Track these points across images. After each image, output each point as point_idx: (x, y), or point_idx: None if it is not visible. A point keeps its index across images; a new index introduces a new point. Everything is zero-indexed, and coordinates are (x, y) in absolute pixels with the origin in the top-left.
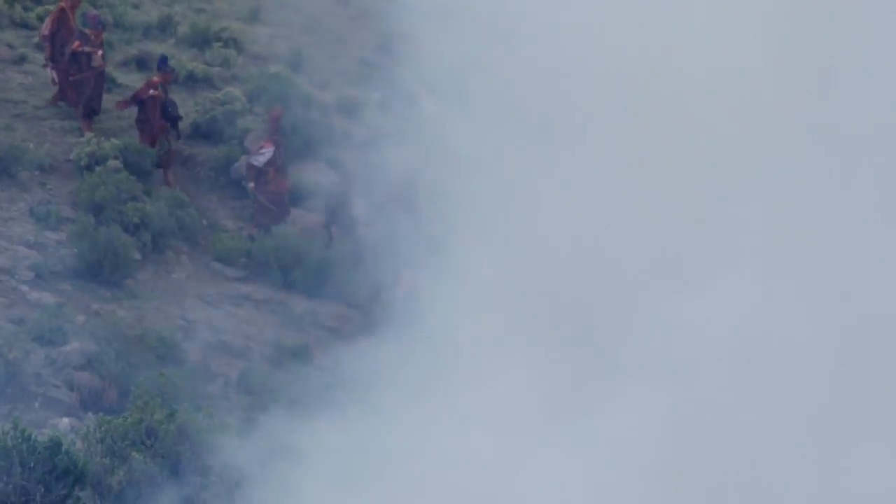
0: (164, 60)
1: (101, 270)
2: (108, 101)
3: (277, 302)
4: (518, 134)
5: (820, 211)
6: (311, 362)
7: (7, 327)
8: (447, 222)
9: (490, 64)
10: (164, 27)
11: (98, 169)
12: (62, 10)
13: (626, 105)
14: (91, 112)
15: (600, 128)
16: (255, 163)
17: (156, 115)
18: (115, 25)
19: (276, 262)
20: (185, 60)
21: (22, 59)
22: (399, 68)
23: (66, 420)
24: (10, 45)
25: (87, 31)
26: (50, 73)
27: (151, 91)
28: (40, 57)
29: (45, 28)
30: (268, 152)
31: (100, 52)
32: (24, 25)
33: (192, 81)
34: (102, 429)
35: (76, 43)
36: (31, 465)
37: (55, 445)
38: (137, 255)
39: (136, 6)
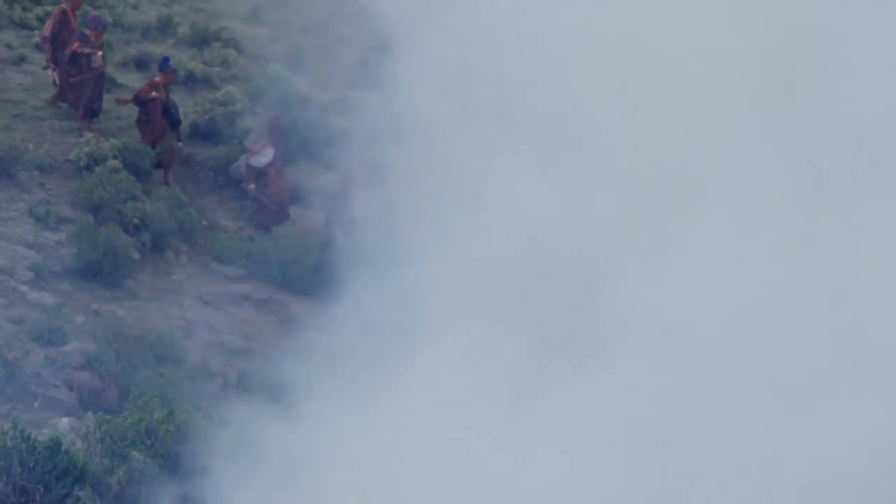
0: (165, 61)
1: (101, 270)
2: (108, 101)
3: (277, 302)
4: (504, 126)
5: (797, 180)
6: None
7: (6, 327)
8: (421, 203)
9: (486, 63)
10: (164, 27)
11: (97, 169)
12: (64, 11)
13: (606, 94)
14: (91, 113)
15: (579, 119)
16: (256, 164)
17: (157, 116)
18: (115, 26)
19: (276, 262)
20: (185, 60)
21: (21, 60)
22: (398, 68)
23: (65, 420)
24: (9, 46)
25: (87, 32)
26: (51, 75)
27: (153, 93)
28: (39, 57)
29: (47, 30)
30: (268, 154)
31: (100, 54)
32: (24, 26)
33: (192, 81)
34: (102, 428)
35: (76, 44)
36: (31, 464)
37: (55, 445)
38: (137, 256)
39: (135, 6)
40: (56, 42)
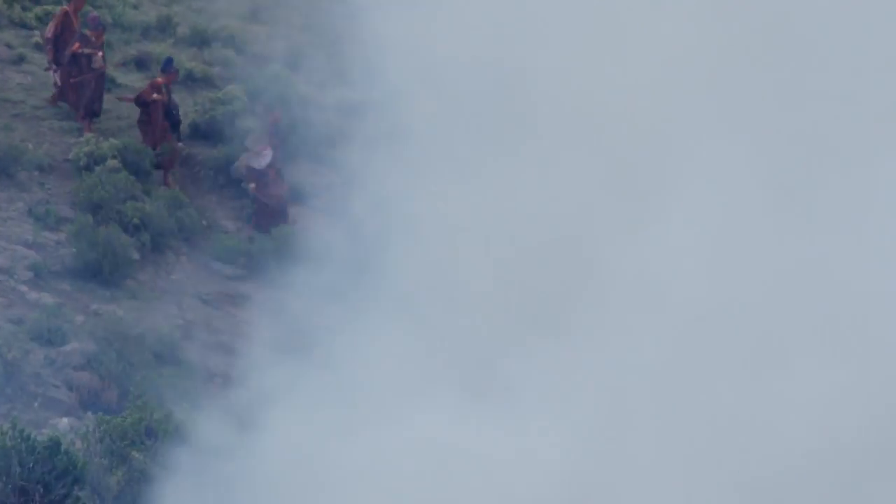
0: (169, 62)
1: (101, 270)
2: (108, 101)
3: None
4: (497, 115)
5: (774, 152)
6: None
7: (6, 327)
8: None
9: (485, 61)
10: (164, 27)
11: (97, 169)
12: (66, 13)
13: (589, 70)
14: (92, 114)
15: (564, 97)
16: (255, 165)
17: (159, 118)
18: (115, 26)
19: (276, 262)
20: (185, 60)
21: (21, 59)
22: (397, 68)
23: (65, 420)
24: (8, 45)
25: (87, 32)
26: (53, 77)
27: (155, 95)
28: (39, 57)
29: (49, 31)
30: (267, 155)
31: (100, 54)
32: (23, 25)
33: (192, 81)
34: (102, 428)
35: (76, 45)
36: (31, 465)
37: (54, 445)
38: (136, 255)
39: (135, 6)
40: (58, 43)
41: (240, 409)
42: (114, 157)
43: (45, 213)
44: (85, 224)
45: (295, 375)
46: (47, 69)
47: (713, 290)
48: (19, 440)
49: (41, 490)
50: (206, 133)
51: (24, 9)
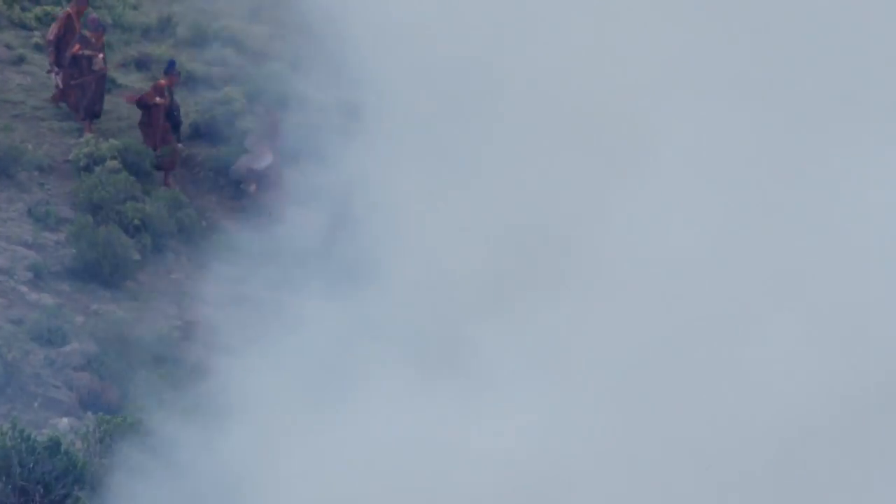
0: (172, 64)
1: (101, 271)
2: (108, 102)
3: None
4: (488, 94)
5: (752, 118)
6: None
7: (6, 327)
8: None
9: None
10: (164, 27)
11: (97, 169)
12: (69, 15)
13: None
14: (92, 115)
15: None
16: (255, 166)
17: (160, 120)
18: (115, 26)
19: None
20: (185, 60)
21: (21, 60)
22: (397, 68)
23: (65, 420)
24: (8, 46)
25: (87, 34)
26: (54, 79)
27: (158, 98)
28: (39, 57)
29: (51, 33)
30: (267, 156)
31: (101, 56)
32: (23, 26)
33: (192, 81)
34: (102, 429)
35: (76, 46)
36: (31, 465)
37: (54, 445)
38: (137, 256)
39: (135, 7)
40: (60, 46)
41: (240, 410)
42: (114, 157)
43: (45, 214)
44: (85, 225)
45: (295, 375)
46: (49, 72)
47: (691, 271)
48: (19, 440)
49: (41, 490)
50: (206, 133)
51: (23, 9)
